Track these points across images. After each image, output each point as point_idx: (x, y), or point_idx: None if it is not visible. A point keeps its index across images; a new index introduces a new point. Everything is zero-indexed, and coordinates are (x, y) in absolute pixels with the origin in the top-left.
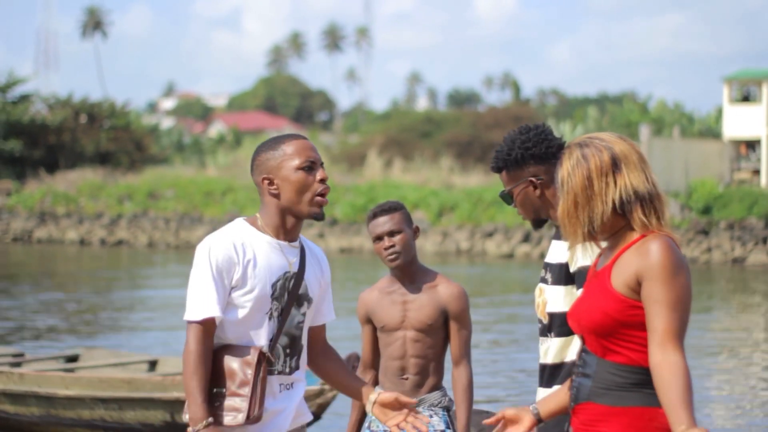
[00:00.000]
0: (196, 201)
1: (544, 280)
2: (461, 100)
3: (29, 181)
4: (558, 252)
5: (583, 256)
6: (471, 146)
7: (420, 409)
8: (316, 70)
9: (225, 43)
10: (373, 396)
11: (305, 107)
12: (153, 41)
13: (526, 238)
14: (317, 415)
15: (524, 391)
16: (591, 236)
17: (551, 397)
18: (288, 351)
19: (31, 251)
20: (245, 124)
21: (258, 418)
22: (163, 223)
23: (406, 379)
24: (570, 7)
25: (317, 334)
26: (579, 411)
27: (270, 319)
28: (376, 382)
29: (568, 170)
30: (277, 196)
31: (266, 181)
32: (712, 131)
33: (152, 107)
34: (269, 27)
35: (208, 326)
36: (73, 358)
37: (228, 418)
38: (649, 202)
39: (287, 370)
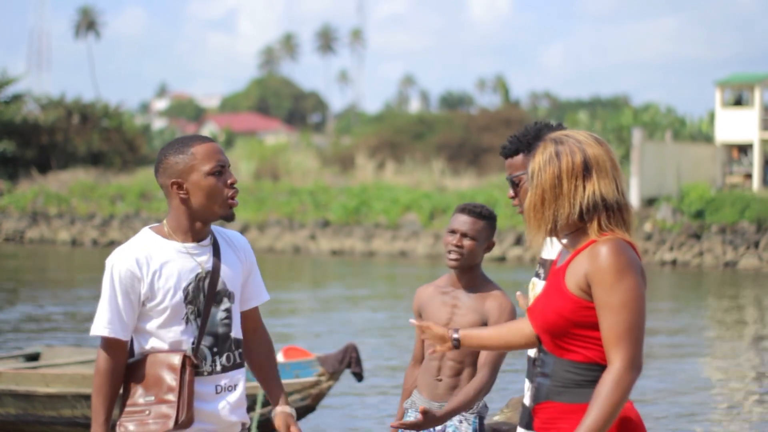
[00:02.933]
0: None
1: (537, 275)
2: (454, 102)
3: (21, 181)
4: (552, 249)
5: (548, 250)
6: (462, 149)
7: None
8: (309, 72)
9: (218, 45)
10: (277, 409)
11: (298, 109)
12: (146, 42)
13: (518, 241)
14: (312, 407)
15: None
16: (553, 233)
17: (476, 329)
18: (215, 350)
19: (22, 251)
20: (238, 126)
21: (188, 423)
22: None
23: (440, 380)
24: (563, 10)
25: (248, 318)
26: (539, 410)
27: (188, 323)
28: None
29: (540, 165)
30: (186, 201)
31: (175, 186)
32: (704, 135)
33: (145, 108)
34: (262, 28)
35: (109, 344)
36: (33, 357)
37: (157, 426)
38: (617, 211)
39: (218, 369)
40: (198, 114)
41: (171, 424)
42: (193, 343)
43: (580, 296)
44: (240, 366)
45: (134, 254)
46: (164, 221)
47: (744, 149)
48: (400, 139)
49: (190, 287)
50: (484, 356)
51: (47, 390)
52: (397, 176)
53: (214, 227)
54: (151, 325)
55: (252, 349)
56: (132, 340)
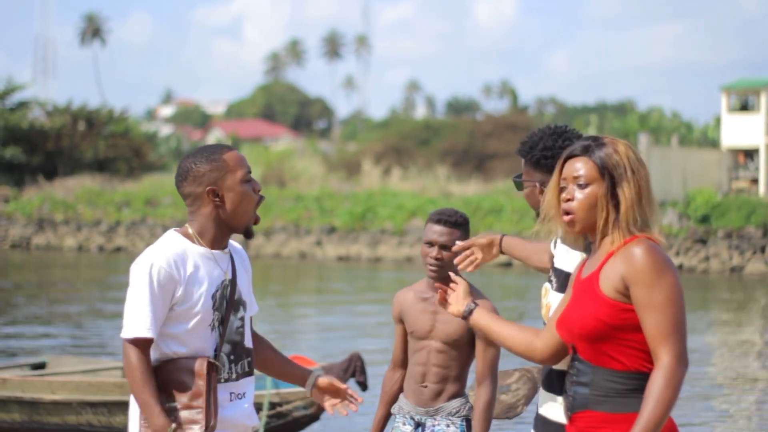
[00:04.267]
0: None
1: (550, 281)
2: (460, 108)
3: (27, 187)
4: (566, 260)
5: (562, 259)
6: (468, 154)
7: (438, 418)
8: (315, 78)
9: (224, 51)
10: (311, 380)
11: (304, 115)
12: (152, 49)
13: None
14: (316, 416)
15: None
16: (631, 231)
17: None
18: (232, 357)
19: (29, 258)
20: (244, 132)
21: (214, 429)
22: (161, 231)
23: (425, 387)
24: (569, 16)
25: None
26: (577, 419)
27: (213, 329)
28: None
29: (629, 158)
30: (219, 208)
31: (211, 194)
32: (710, 140)
33: (150, 114)
34: (268, 35)
35: (145, 344)
36: (39, 366)
37: None
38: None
39: (234, 376)
40: (204, 120)
41: (199, 429)
42: (215, 350)
43: (618, 299)
44: (250, 374)
45: (171, 256)
46: (187, 226)
47: (750, 154)
48: (405, 144)
49: (218, 294)
50: (482, 369)
51: (53, 397)
52: (402, 182)
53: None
54: (179, 330)
55: (257, 351)
56: (154, 346)
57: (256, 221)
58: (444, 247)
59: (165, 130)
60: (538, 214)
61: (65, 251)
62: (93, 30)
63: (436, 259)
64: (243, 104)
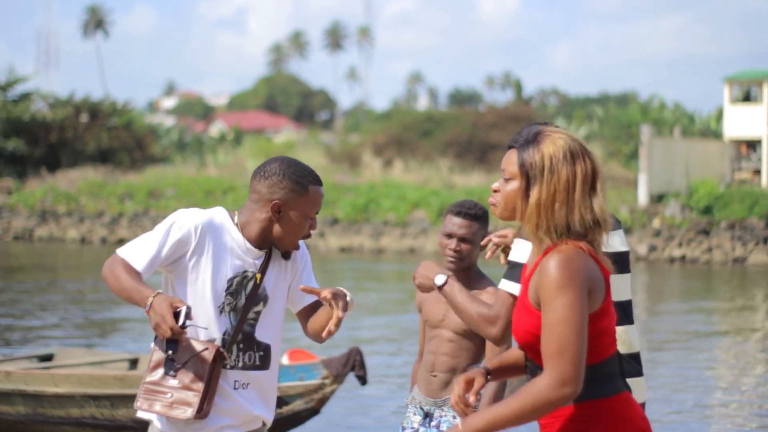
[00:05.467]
0: (197, 200)
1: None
2: (462, 99)
3: (30, 179)
4: (516, 249)
5: (517, 251)
6: (470, 146)
7: (445, 410)
8: (318, 70)
9: (227, 43)
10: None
11: (306, 106)
12: (154, 40)
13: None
14: (316, 410)
15: None
16: (551, 237)
17: (499, 357)
18: (241, 346)
19: (32, 250)
20: (246, 124)
21: (206, 415)
22: None
23: (435, 376)
24: (571, 8)
25: (308, 311)
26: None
27: (221, 313)
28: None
29: (552, 159)
30: (274, 222)
31: (275, 207)
32: (712, 131)
33: (152, 106)
34: (271, 27)
35: (130, 269)
36: (47, 357)
37: (177, 411)
38: (601, 230)
39: (240, 365)
40: (206, 112)
41: (191, 413)
42: (225, 335)
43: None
44: (260, 368)
45: (203, 220)
46: (236, 212)
47: (753, 145)
48: (408, 136)
49: (235, 280)
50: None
51: (56, 390)
52: (405, 173)
53: None
54: (188, 299)
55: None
56: None
57: (297, 248)
58: (463, 239)
59: (167, 121)
60: None
61: (68, 243)
62: (96, 22)
63: (455, 251)
64: (245, 96)
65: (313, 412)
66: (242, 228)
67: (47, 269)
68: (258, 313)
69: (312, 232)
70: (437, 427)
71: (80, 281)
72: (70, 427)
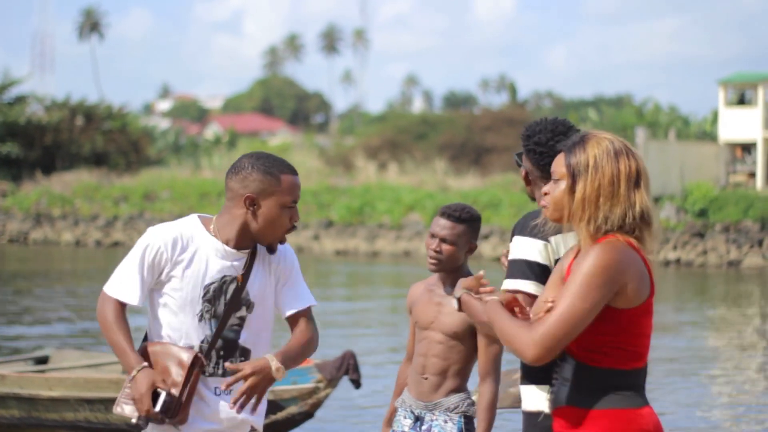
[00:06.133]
0: (192, 202)
1: None
2: (457, 102)
3: (25, 182)
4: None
5: (514, 251)
6: (465, 148)
7: (436, 413)
8: (313, 73)
9: (222, 46)
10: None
11: (301, 109)
12: (150, 43)
13: None
14: (310, 414)
15: None
16: (598, 231)
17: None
18: (222, 353)
19: (26, 252)
20: (241, 126)
21: (182, 421)
22: None
23: (426, 378)
24: (567, 11)
25: (294, 321)
26: (559, 414)
27: (201, 320)
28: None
29: (596, 157)
30: (251, 218)
31: (248, 200)
32: (707, 134)
33: (147, 109)
34: (267, 29)
35: (121, 304)
36: (42, 360)
37: (155, 414)
38: (648, 226)
39: (220, 372)
40: (201, 115)
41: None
42: (203, 342)
43: None
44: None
45: (173, 234)
46: (214, 218)
47: (747, 148)
48: (403, 139)
49: (213, 287)
50: (484, 365)
51: (50, 393)
52: (400, 176)
53: None
54: (166, 310)
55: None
56: (149, 326)
57: (282, 242)
58: (444, 240)
59: (162, 124)
60: (530, 197)
61: (63, 246)
62: (91, 24)
63: (435, 251)
64: (240, 98)
65: (306, 416)
66: (220, 231)
67: (42, 272)
68: (242, 319)
69: (296, 224)
70: (428, 430)
71: (75, 284)
72: (65, 430)
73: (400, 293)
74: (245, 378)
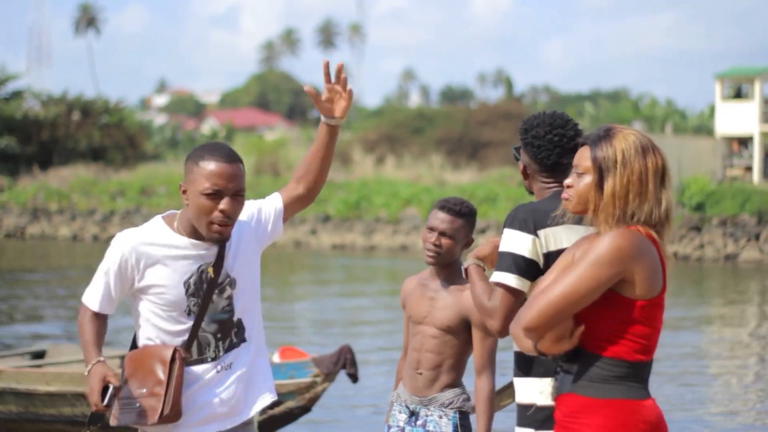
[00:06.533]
0: None
1: None
2: (454, 96)
3: (22, 177)
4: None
5: (504, 243)
6: (462, 143)
7: (431, 409)
8: (310, 67)
9: (219, 40)
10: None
11: (298, 104)
12: (146, 38)
13: None
14: (308, 408)
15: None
16: (617, 224)
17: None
18: (219, 336)
19: (23, 247)
20: (238, 121)
21: (174, 417)
22: None
23: (420, 373)
24: (563, 5)
25: (289, 200)
26: (561, 402)
27: (190, 314)
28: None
29: (624, 152)
30: (187, 206)
31: (181, 189)
32: (704, 128)
33: (144, 104)
34: (264, 24)
35: (98, 314)
36: (39, 354)
37: (143, 418)
38: (669, 223)
39: (221, 353)
40: (198, 110)
41: (156, 417)
42: (189, 336)
43: None
44: (237, 344)
45: (139, 241)
46: (179, 213)
47: (744, 142)
48: (399, 133)
49: (192, 280)
50: (479, 359)
51: (47, 388)
52: (397, 170)
53: None
54: (153, 316)
55: (304, 173)
56: (135, 332)
57: (216, 240)
58: (443, 233)
59: (159, 119)
60: (527, 191)
61: (59, 240)
62: (88, 19)
63: (434, 245)
64: (237, 93)
65: (304, 410)
66: (182, 225)
67: (39, 267)
68: (230, 298)
69: (222, 219)
70: (423, 426)
71: (72, 278)
72: (62, 425)
73: (397, 288)
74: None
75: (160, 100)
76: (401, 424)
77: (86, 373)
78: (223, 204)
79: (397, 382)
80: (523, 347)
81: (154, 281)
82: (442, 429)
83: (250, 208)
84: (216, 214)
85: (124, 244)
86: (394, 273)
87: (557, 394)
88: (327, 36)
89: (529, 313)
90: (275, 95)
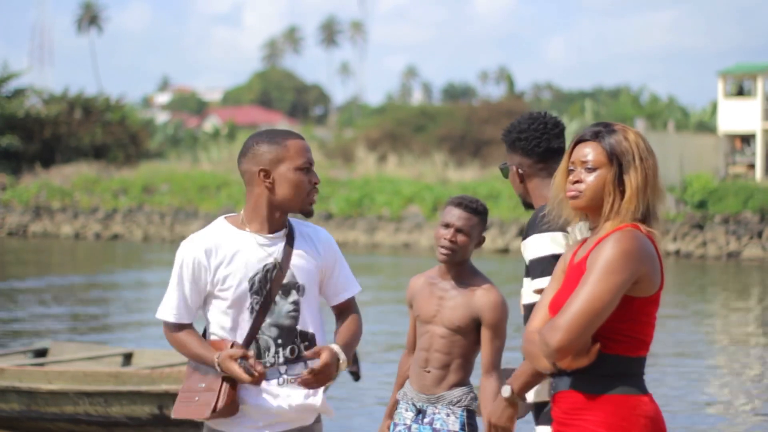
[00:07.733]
0: (191, 195)
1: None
2: (456, 94)
3: (24, 175)
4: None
5: (539, 248)
6: (464, 140)
7: (438, 407)
8: (312, 65)
9: (222, 38)
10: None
11: (300, 101)
12: (149, 36)
13: (522, 233)
14: None
15: None
16: (636, 220)
17: (519, 373)
18: (279, 342)
19: (26, 245)
20: (240, 119)
21: (228, 412)
22: (158, 218)
23: (428, 372)
24: (565, 2)
25: (339, 310)
26: (560, 399)
27: (252, 312)
28: None
29: (639, 146)
30: (270, 189)
31: (262, 174)
32: (707, 125)
33: (146, 101)
34: (266, 22)
35: (178, 326)
36: (42, 352)
37: (199, 411)
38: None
39: (281, 360)
40: (200, 107)
41: (208, 412)
42: (250, 334)
43: None
44: (305, 359)
45: (204, 244)
46: (241, 211)
47: (747, 139)
48: (401, 131)
49: (257, 277)
50: (487, 359)
51: (50, 387)
52: (399, 168)
53: (295, 221)
54: (217, 312)
55: (338, 330)
56: (205, 326)
57: (307, 212)
58: (460, 230)
59: (161, 117)
60: (523, 202)
61: (62, 239)
62: (90, 17)
63: (451, 241)
64: (239, 91)
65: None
66: (248, 222)
67: (41, 265)
68: (296, 303)
69: (317, 185)
70: (430, 424)
71: (74, 276)
72: (65, 423)
73: (400, 285)
74: (326, 365)
75: (163, 98)
76: (408, 422)
77: (218, 369)
78: (315, 177)
79: (398, 380)
80: (540, 366)
81: (222, 278)
82: (449, 427)
83: (336, 257)
84: (310, 188)
85: (193, 247)
86: (396, 270)
87: (555, 391)
88: (329, 34)
89: (557, 335)
90: (278, 93)
